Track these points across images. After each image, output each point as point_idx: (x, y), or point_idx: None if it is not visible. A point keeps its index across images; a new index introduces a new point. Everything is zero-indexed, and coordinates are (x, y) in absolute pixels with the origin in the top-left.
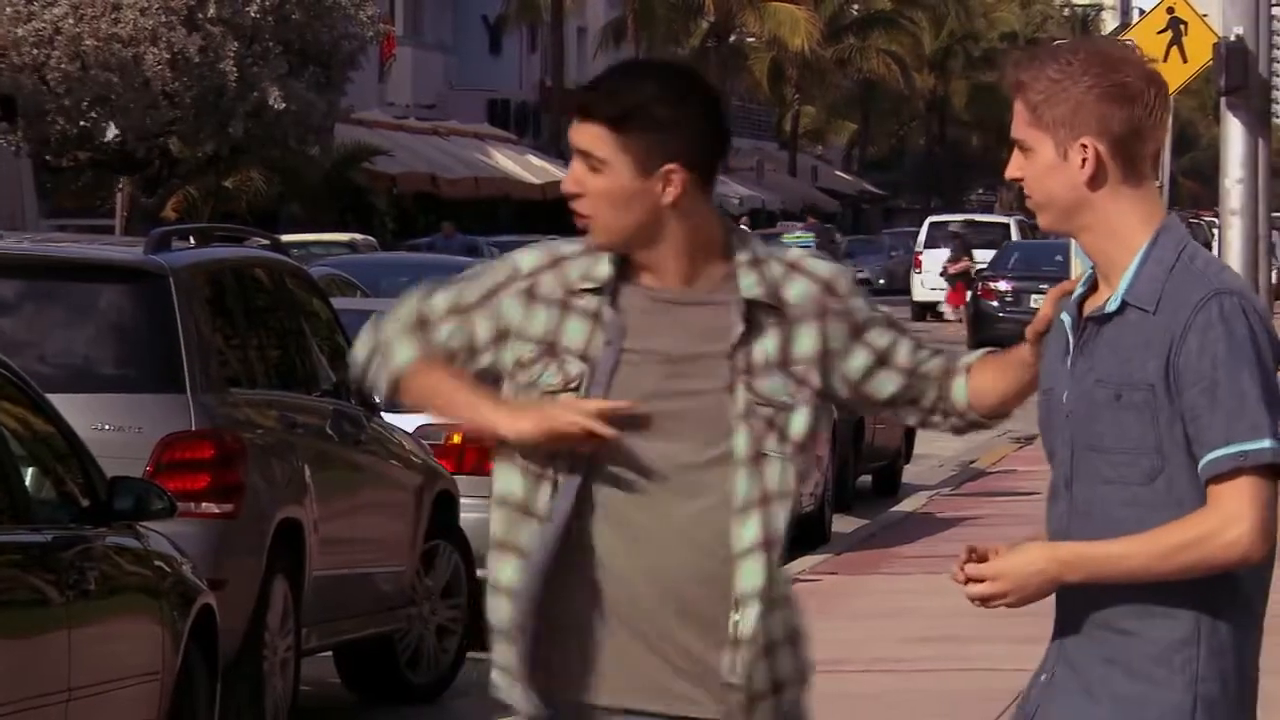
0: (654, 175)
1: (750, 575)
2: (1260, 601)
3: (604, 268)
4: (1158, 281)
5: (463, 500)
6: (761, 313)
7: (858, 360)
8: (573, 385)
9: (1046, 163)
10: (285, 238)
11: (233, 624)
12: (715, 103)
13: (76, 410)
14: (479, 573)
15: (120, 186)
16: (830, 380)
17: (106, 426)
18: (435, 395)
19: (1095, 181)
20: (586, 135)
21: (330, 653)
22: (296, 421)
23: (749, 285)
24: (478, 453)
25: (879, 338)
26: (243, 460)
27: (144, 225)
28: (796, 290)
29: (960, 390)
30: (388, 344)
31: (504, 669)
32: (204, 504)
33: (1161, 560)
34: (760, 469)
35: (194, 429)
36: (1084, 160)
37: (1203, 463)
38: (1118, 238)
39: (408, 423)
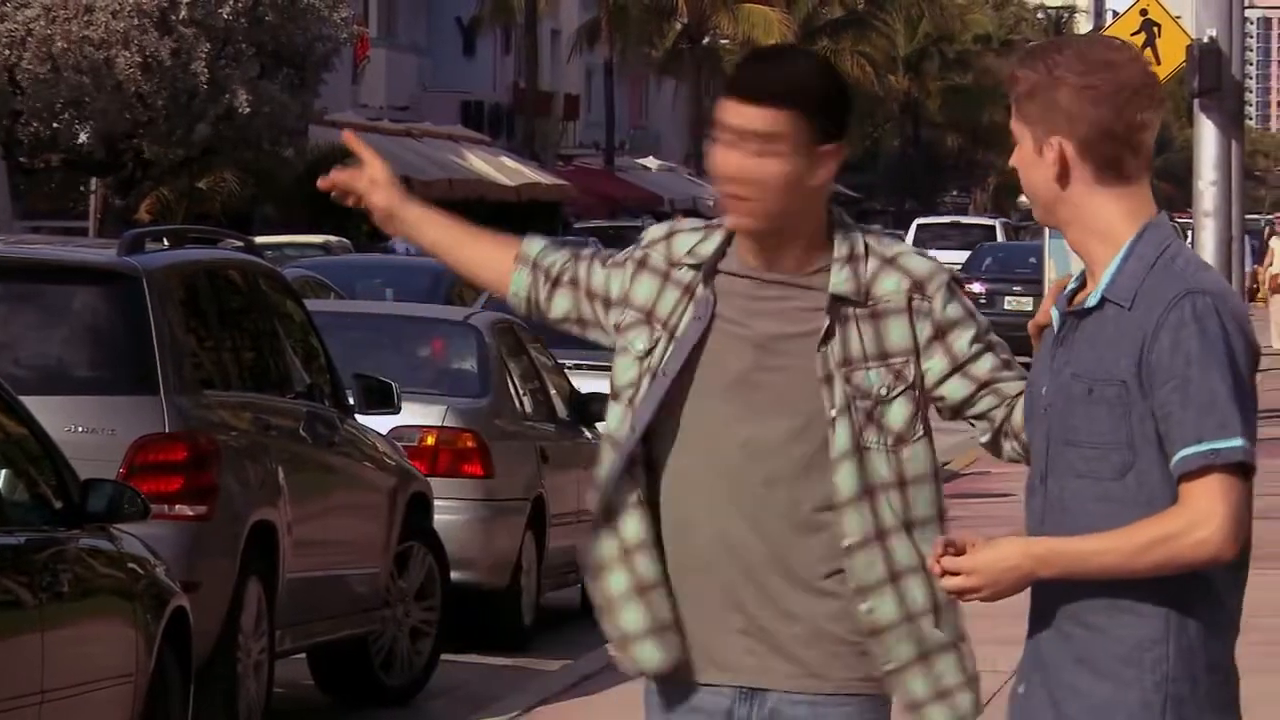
0: (814, 157)
1: (866, 567)
2: (1233, 600)
3: (709, 245)
4: (1137, 278)
5: (436, 502)
6: (849, 307)
7: (935, 362)
8: (653, 349)
9: (1026, 157)
10: (259, 239)
11: (206, 626)
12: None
13: (50, 412)
14: (453, 575)
15: (93, 188)
16: (923, 380)
17: (80, 428)
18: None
19: (1062, 180)
20: (761, 118)
21: (304, 655)
22: (270, 423)
23: (839, 281)
24: (451, 454)
25: (961, 343)
26: (216, 462)
27: (117, 227)
28: (887, 285)
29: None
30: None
31: (623, 633)
32: (177, 506)
33: (1133, 558)
34: (863, 462)
35: (167, 431)
36: (1053, 157)
37: (1174, 460)
38: (1100, 234)
39: (381, 425)
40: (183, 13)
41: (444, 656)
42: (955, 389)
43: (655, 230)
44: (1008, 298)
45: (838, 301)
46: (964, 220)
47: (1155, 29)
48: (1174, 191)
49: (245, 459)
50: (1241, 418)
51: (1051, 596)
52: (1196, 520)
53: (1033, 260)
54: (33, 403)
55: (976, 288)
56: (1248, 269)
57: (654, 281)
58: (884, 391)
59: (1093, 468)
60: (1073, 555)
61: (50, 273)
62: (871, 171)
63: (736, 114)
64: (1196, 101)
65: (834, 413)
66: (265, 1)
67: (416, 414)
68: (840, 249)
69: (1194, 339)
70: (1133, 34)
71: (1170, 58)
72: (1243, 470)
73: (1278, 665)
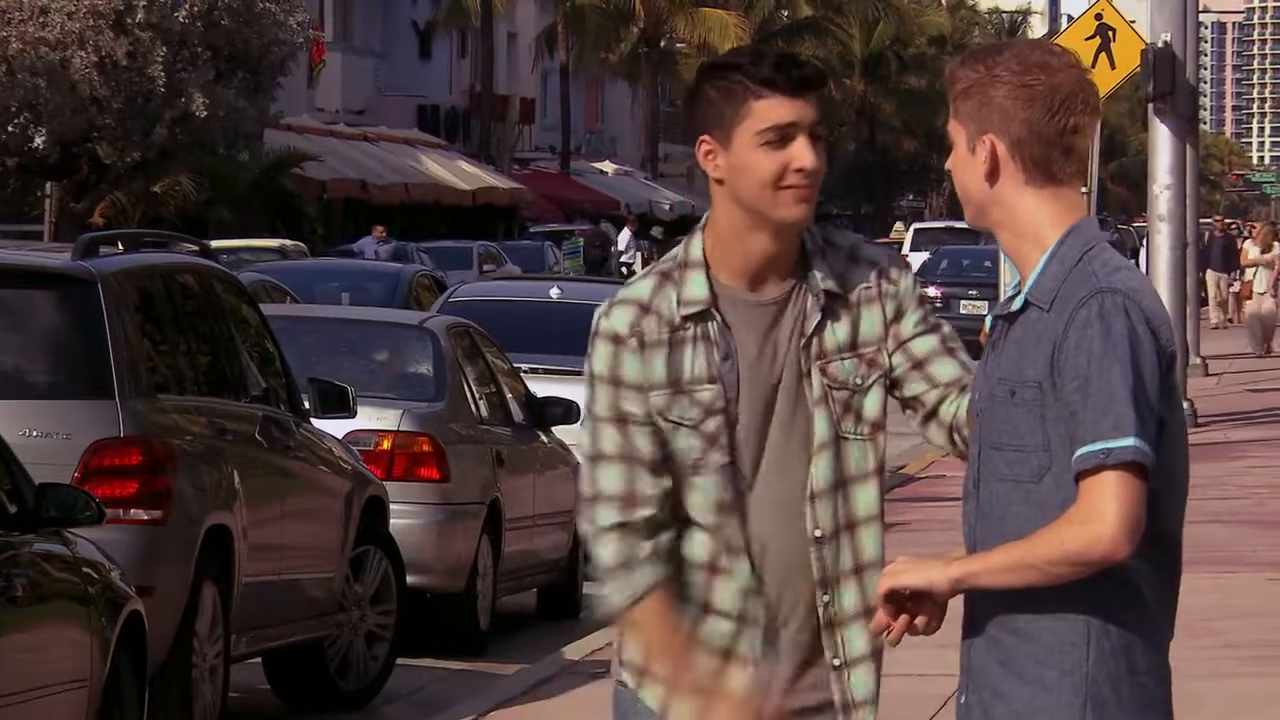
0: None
1: (835, 560)
2: (1159, 602)
3: (696, 289)
4: (1057, 280)
5: (392, 506)
6: (834, 301)
7: (890, 340)
8: (716, 409)
9: (960, 156)
10: (215, 244)
11: (161, 630)
12: None
13: (4, 416)
14: (409, 579)
15: (48, 192)
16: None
17: (34, 433)
18: (653, 641)
19: (992, 177)
20: (813, 110)
21: (259, 659)
22: (226, 428)
23: (822, 277)
24: (406, 458)
25: (909, 322)
26: (171, 466)
27: (72, 231)
28: (856, 276)
29: (960, 407)
30: (629, 562)
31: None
32: (132, 510)
33: (1041, 564)
34: (841, 452)
35: (122, 435)
36: (984, 155)
37: (1072, 459)
38: (1028, 236)
39: (337, 429)
40: (139, 15)
41: (399, 661)
42: (896, 364)
43: (620, 316)
44: (963, 301)
45: (829, 298)
46: (959, 225)
47: (1110, 33)
48: (1129, 196)
49: (200, 463)
50: (1137, 417)
51: (981, 603)
52: (1089, 518)
53: (988, 265)
54: None
55: (932, 291)
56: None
57: (663, 352)
58: (859, 381)
59: (1015, 471)
60: (980, 574)
61: (4, 277)
62: (827, 175)
63: (794, 110)
64: (1151, 105)
65: (812, 405)
66: (221, 5)
67: (372, 418)
68: (812, 248)
69: (1097, 338)
70: (1087, 38)
71: (1125, 62)
72: (1137, 469)
73: (1232, 669)
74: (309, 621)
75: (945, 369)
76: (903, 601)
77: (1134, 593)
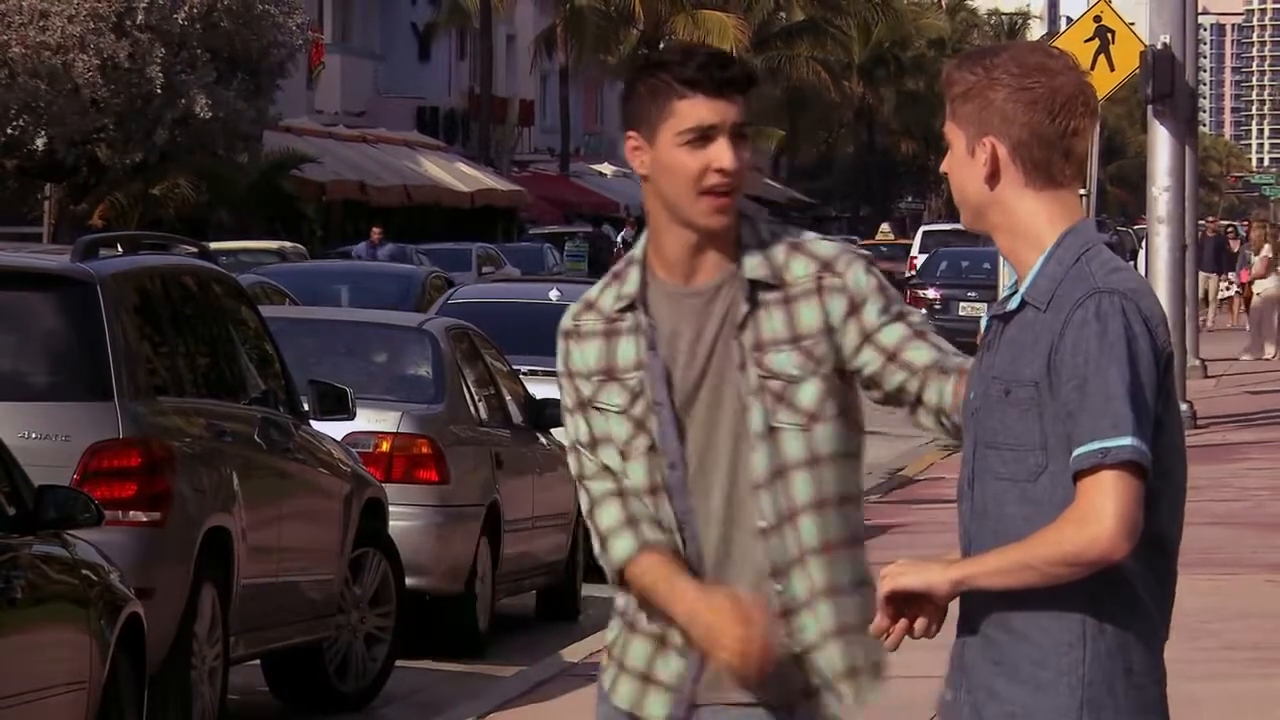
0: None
1: (779, 548)
2: (1155, 602)
3: (630, 285)
4: (1054, 281)
5: (391, 508)
6: (764, 291)
7: (850, 337)
8: (639, 395)
9: (958, 159)
10: (214, 245)
11: (161, 632)
12: None
13: (3, 418)
14: (408, 581)
15: (48, 194)
16: (841, 356)
17: (33, 435)
18: (654, 590)
19: (993, 180)
20: (736, 110)
21: (258, 661)
22: (225, 429)
23: (752, 266)
24: (406, 460)
25: (870, 315)
26: (170, 468)
27: (72, 233)
28: (797, 269)
29: (943, 392)
30: (606, 536)
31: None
32: (131, 512)
33: (1040, 565)
34: (777, 442)
35: (121, 437)
36: (985, 158)
37: (1070, 459)
38: (1027, 238)
39: (336, 431)
40: (139, 18)
41: (399, 663)
42: (867, 360)
43: (570, 311)
44: (961, 303)
45: (755, 286)
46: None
47: (1109, 35)
48: (1128, 198)
49: (200, 465)
50: (1135, 417)
51: (976, 602)
52: (1087, 517)
53: (987, 266)
54: None
55: (931, 293)
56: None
57: (598, 342)
58: (795, 372)
59: (1011, 470)
60: (983, 575)
61: (3, 279)
62: (826, 177)
63: (716, 111)
64: (1150, 107)
65: (747, 396)
66: (220, 7)
67: (371, 420)
68: (748, 239)
69: (1094, 338)
70: (1086, 40)
71: (1124, 64)
72: (1135, 469)
73: (1231, 670)
74: (308, 623)
75: (919, 354)
76: (902, 604)
77: (1130, 593)
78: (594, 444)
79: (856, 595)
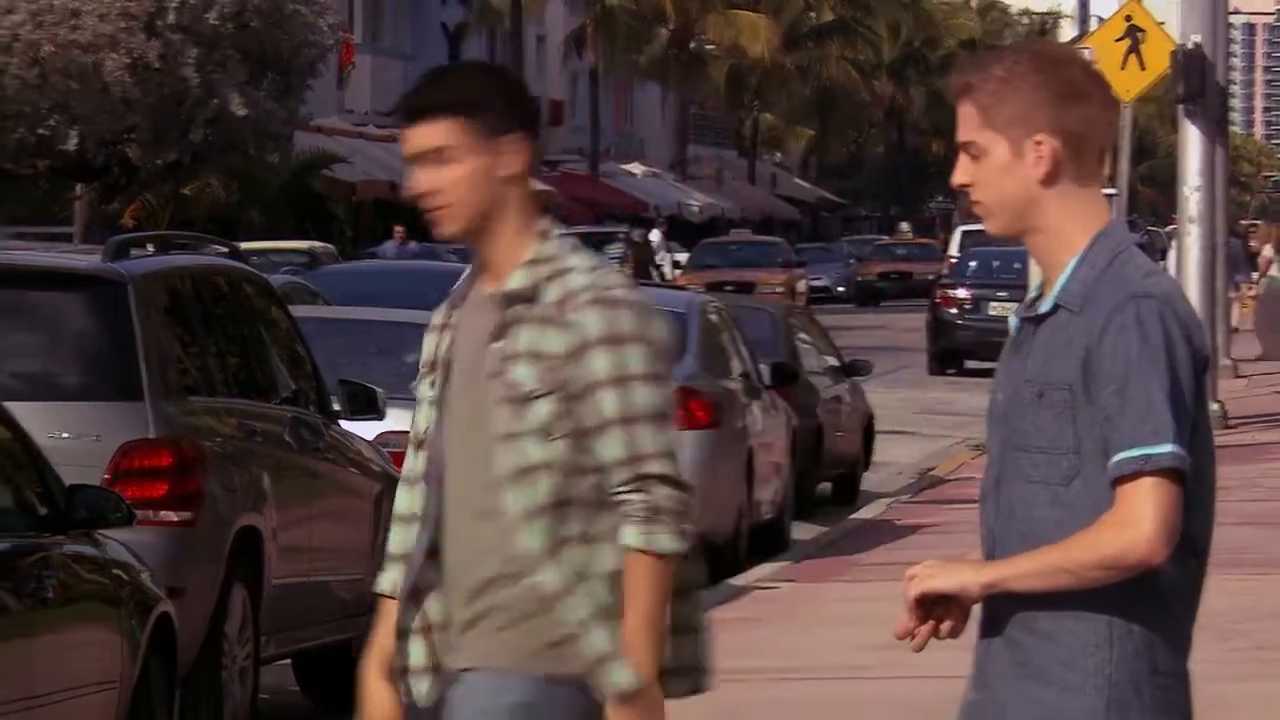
0: (496, 152)
1: (506, 549)
2: (1182, 604)
3: (459, 285)
4: (1087, 283)
5: None
6: (521, 306)
7: (574, 375)
8: (427, 391)
9: (1000, 163)
10: (245, 245)
11: (191, 632)
12: None
13: (34, 418)
14: None
15: (79, 194)
16: (572, 387)
17: (65, 434)
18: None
19: (1049, 179)
20: (427, 134)
21: (289, 661)
22: (255, 429)
23: (514, 280)
24: None
25: (586, 372)
26: (201, 468)
27: (102, 233)
28: (551, 292)
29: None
30: (384, 558)
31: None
32: (162, 512)
33: (1075, 570)
34: (514, 449)
35: (152, 437)
36: (1039, 157)
37: (1109, 465)
38: (1062, 239)
39: (367, 431)
40: (170, 18)
41: None
42: (584, 414)
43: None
44: (991, 303)
45: (509, 299)
46: None
47: (1140, 35)
48: (1159, 198)
49: (230, 465)
50: (1175, 423)
51: (1001, 603)
52: (1127, 523)
53: (1018, 266)
54: (17, 408)
55: (961, 293)
56: (1238, 278)
57: (432, 336)
58: (532, 389)
59: (1042, 473)
60: (1016, 577)
61: (35, 279)
62: (857, 177)
63: (408, 139)
64: (1181, 107)
65: (494, 403)
66: (251, 8)
67: (402, 420)
68: (537, 254)
69: (1134, 343)
70: (1117, 39)
71: (1155, 63)
72: (1175, 475)
73: (1263, 670)
74: (339, 623)
75: (608, 449)
76: (931, 605)
77: (1158, 593)
78: (415, 441)
79: (577, 593)
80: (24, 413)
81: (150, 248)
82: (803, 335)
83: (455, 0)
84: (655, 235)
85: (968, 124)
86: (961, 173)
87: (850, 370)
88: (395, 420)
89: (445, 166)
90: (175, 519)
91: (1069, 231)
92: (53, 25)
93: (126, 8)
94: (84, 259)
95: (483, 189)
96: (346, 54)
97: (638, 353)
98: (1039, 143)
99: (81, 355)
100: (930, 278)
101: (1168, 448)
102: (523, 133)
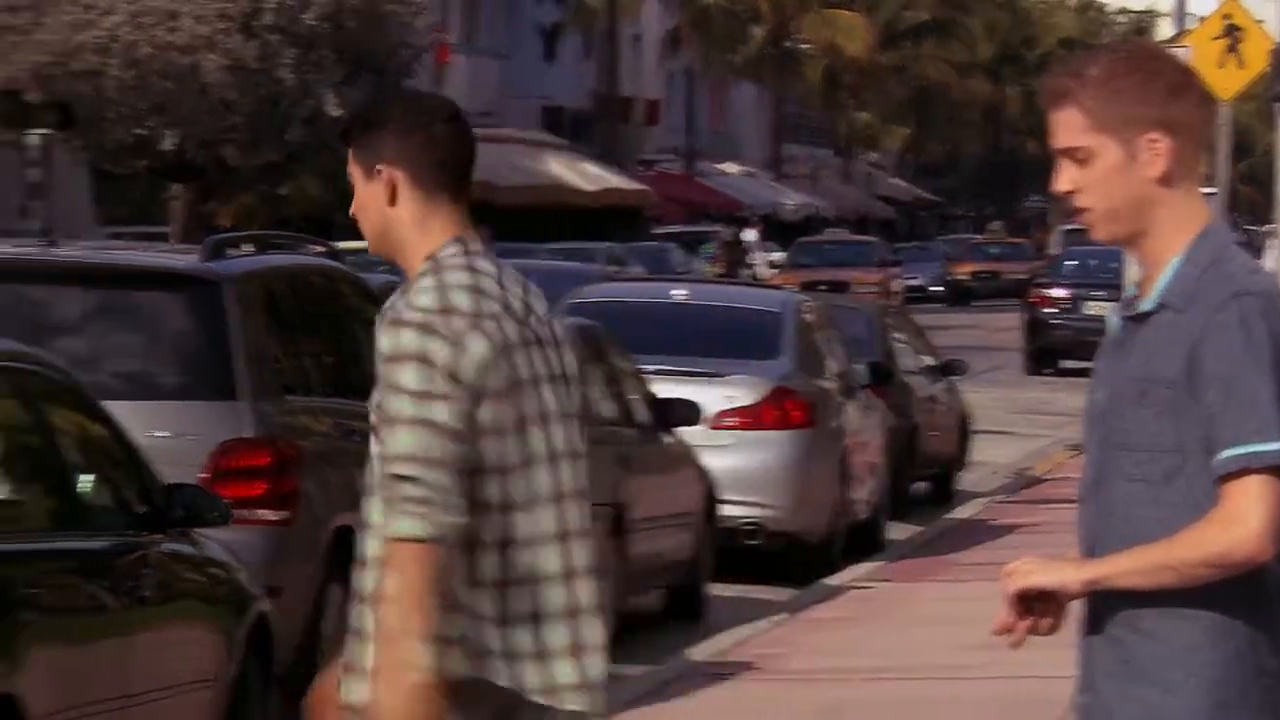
0: (370, 184)
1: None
2: None
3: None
4: (1191, 282)
5: None
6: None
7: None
8: None
9: (1112, 165)
10: (341, 245)
11: (289, 631)
12: None
13: (132, 417)
14: None
15: (176, 194)
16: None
17: (163, 434)
18: None
19: (1166, 178)
20: (357, 172)
21: None
22: (351, 428)
23: (387, 305)
24: None
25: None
26: (298, 467)
27: (200, 233)
28: (383, 313)
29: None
30: None
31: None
32: (260, 511)
33: (1179, 567)
34: (374, 465)
35: (250, 436)
36: (1155, 155)
37: (1214, 462)
38: (1166, 239)
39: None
40: (267, 19)
41: None
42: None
43: None
44: (1088, 302)
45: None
46: None
47: (1238, 33)
48: (1258, 196)
49: (327, 464)
50: None
51: (1103, 601)
52: (1233, 521)
53: (1114, 265)
54: (116, 408)
55: (1058, 293)
56: None
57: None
58: (375, 408)
59: (1144, 472)
60: (1118, 575)
61: (133, 279)
62: (952, 176)
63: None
64: (1277, 104)
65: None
66: (347, 8)
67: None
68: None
69: (1239, 341)
70: (1215, 38)
71: (1253, 62)
72: None
73: None
74: None
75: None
76: (1031, 602)
77: (1262, 591)
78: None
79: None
80: (123, 412)
81: (247, 248)
82: (898, 335)
83: (550, 1)
84: (751, 234)
85: (1071, 128)
86: (1066, 179)
87: (946, 370)
88: None
89: (368, 185)
90: (272, 518)
91: (1172, 231)
92: (151, 27)
93: (223, 9)
94: (181, 259)
95: (377, 222)
96: (442, 54)
97: (410, 370)
98: (1154, 141)
99: (179, 354)
100: (1020, 277)
101: (1273, 445)
102: (380, 164)
